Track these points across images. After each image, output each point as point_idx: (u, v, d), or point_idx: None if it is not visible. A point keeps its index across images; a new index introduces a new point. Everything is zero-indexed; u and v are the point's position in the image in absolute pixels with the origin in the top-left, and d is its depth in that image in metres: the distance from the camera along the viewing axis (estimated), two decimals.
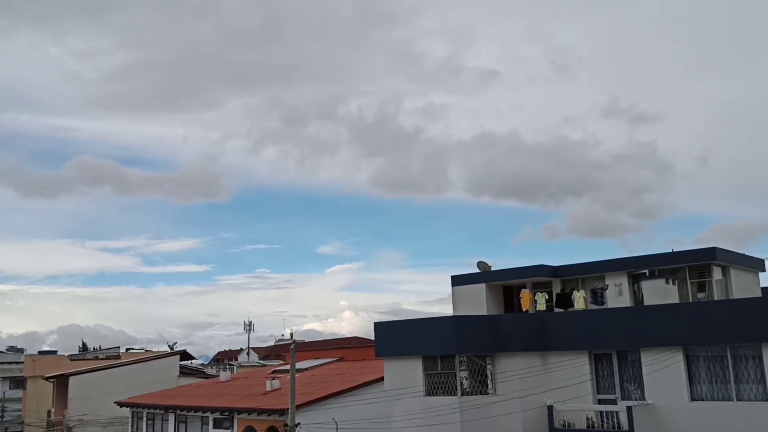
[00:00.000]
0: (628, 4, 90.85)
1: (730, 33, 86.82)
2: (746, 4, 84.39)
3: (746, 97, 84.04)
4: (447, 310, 27.72)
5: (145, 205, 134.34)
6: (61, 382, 44.81)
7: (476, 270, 28.00)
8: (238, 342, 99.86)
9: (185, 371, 48.23)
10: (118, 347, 61.46)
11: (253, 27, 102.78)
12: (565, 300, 25.25)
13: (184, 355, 51.41)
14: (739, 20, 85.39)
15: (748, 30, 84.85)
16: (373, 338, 26.80)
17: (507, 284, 27.30)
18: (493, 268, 27.91)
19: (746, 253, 25.99)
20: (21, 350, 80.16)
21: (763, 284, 26.61)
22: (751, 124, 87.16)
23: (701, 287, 24.01)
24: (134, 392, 39.00)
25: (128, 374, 44.33)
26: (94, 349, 71.20)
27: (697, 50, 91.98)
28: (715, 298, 23.51)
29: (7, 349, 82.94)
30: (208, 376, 48.57)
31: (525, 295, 25.88)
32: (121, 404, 37.68)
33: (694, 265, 24.00)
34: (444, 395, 22.99)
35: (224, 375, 40.94)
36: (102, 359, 52.95)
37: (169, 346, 63.33)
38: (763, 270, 26.73)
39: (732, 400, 19.56)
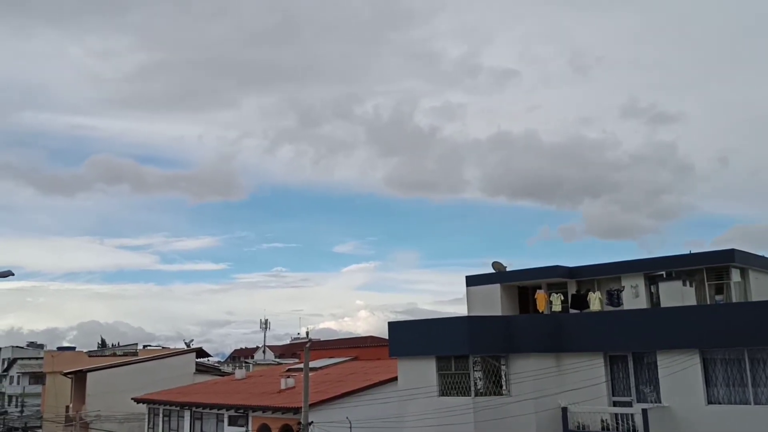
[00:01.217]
0: (647, 5, 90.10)
1: (750, 35, 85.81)
2: (764, 7, 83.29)
3: (764, 98, 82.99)
4: (462, 310, 27.68)
5: (163, 204, 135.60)
6: (79, 378, 45.33)
7: (491, 270, 27.91)
8: (254, 340, 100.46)
9: (201, 368, 48.55)
10: (136, 344, 62.09)
11: (269, 27, 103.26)
12: (580, 301, 25.09)
13: (201, 353, 51.75)
14: (760, 22, 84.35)
15: (762, 30, 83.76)
16: (387, 337, 26.79)
17: (522, 285, 27.18)
18: (508, 269, 27.80)
19: (766, 255, 25.66)
20: (41, 346, 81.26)
21: None
22: None
23: (719, 289, 23.76)
24: (151, 389, 39.29)
25: (145, 371, 44.71)
26: (112, 345, 71.90)
27: (717, 51, 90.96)
28: (734, 300, 23.24)
29: (27, 345, 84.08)
30: (224, 374, 48.85)
31: (540, 296, 25.74)
32: (137, 400, 38.02)
33: (712, 266, 23.75)
34: (458, 396, 22.92)
35: (240, 373, 41.15)
36: (120, 356, 53.49)
37: (185, 343, 63.70)
38: None
39: (749, 404, 19.31)
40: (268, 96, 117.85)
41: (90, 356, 53.66)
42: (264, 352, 76.24)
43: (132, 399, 38.35)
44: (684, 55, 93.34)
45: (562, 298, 25.44)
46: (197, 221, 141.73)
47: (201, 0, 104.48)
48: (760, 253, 25.42)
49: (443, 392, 23.39)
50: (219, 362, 67.84)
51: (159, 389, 38.90)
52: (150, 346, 61.95)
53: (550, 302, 25.45)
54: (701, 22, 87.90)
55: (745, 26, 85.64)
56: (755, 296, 23.80)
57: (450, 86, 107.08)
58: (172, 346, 61.43)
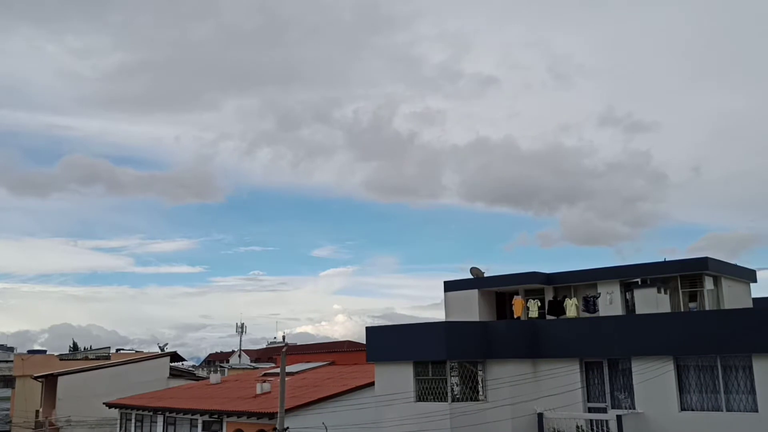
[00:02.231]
0: (626, 15, 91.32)
1: (725, 46, 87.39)
2: (742, 18, 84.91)
3: (740, 109, 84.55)
4: (440, 315, 27.74)
5: (139, 205, 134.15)
6: (49, 381, 44.55)
7: (469, 276, 28.00)
8: (230, 344, 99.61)
9: (175, 373, 48.02)
10: (109, 348, 61.13)
11: (251, 29, 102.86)
12: (557, 307, 25.27)
13: (175, 357, 51.20)
14: (735, 34, 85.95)
15: (743, 44, 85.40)
16: (365, 342, 26.76)
17: (500, 291, 27.32)
18: (486, 275, 27.92)
19: (738, 264, 26.10)
20: (11, 349, 79.70)
21: (754, 295, 26.69)
22: (745, 136, 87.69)
23: (693, 297, 24.07)
24: (123, 393, 38.79)
25: (118, 375, 44.13)
26: (84, 349, 70.83)
27: (693, 62, 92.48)
28: (707, 308, 23.56)
29: None
30: (198, 378, 48.37)
31: (517, 301, 25.88)
32: (109, 405, 37.45)
33: (686, 274, 24.06)
34: (434, 401, 22.93)
35: (215, 377, 40.73)
36: (92, 359, 52.65)
37: (159, 347, 63.02)
38: (755, 281, 26.81)
39: (721, 411, 19.57)
40: (247, 98, 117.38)
41: (61, 360, 52.77)
42: (240, 356, 75.76)
43: (104, 404, 37.75)
44: (660, 65, 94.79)
45: (539, 304, 25.62)
46: (174, 223, 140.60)
47: (183, 0, 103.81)
48: (732, 261, 25.87)
49: (420, 398, 23.38)
50: (194, 366, 67.24)
51: (132, 394, 38.41)
52: (123, 349, 61.16)
53: (527, 308, 25.60)
54: (678, 33, 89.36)
55: (720, 38, 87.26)
56: (727, 304, 24.16)
57: (430, 92, 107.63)
58: (146, 350, 60.72)
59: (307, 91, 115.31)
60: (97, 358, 52.97)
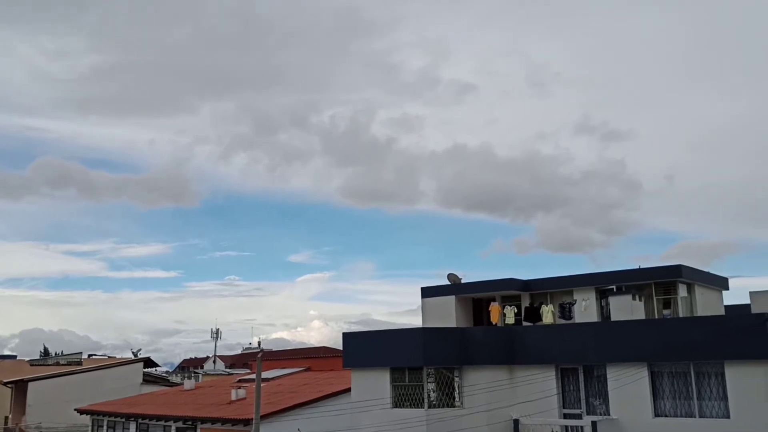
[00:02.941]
0: (603, 25, 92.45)
1: (700, 57, 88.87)
2: (715, 29, 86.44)
3: (713, 119, 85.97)
4: (417, 321, 27.74)
5: (113, 209, 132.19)
6: (19, 387, 43.72)
7: (446, 281, 28.04)
8: (204, 350, 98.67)
9: (149, 379, 47.43)
10: (80, 353, 60.22)
11: (230, 33, 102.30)
12: (533, 314, 25.40)
13: (148, 363, 50.56)
14: (708, 45, 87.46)
15: (718, 55, 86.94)
16: (341, 348, 26.65)
17: (477, 297, 27.38)
18: (463, 281, 27.98)
19: (711, 271, 26.45)
20: None
21: (726, 302, 27.06)
22: (717, 146, 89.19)
23: (667, 304, 24.35)
24: (95, 399, 38.17)
25: (90, 381, 43.43)
26: (55, 354, 69.68)
27: (668, 72, 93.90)
28: (680, 315, 23.84)
29: None
30: (172, 384, 47.83)
31: (494, 308, 25.97)
32: (81, 411, 36.84)
33: (660, 281, 24.34)
34: (411, 407, 22.89)
35: (189, 383, 40.30)
36: (63, 365, 51.78)
37: (133, 352, 62.26)
38: (727, 288, 27.19)
39: (694, 417, 19.79)
40: (224, 102, 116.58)
41: (32, 365, 51.83)
42: (214, 362, 75.04)
43: (75, 410, 37.11)
44: (636, 74, 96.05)
45: (516, 310, 25.72)
46: (148, 227, 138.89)
47: (161, 2, 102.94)
48: (705, 269, 26.20)
49: (396, 404, 23.33)
50: (167, 372, 66.51)
51: (104, 400, 37.80)
52: (96, 355, 60.21)
53: (504, 315, 25.69)
54: (654, 44, 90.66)
55: (695, 49, 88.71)
56: (701, 311, 24.48)
57: (409, 98, 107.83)
58: (119, 356, 59.93)
59: (284, 96, 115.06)
60: (69, 364, 52.09)
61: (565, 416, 22.03)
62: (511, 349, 23.00)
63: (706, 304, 25.03)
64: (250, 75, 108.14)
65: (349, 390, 25.45)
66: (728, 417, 19.16)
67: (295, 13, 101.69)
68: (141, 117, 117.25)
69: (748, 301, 24.46)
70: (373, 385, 23.75)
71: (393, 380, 23.59)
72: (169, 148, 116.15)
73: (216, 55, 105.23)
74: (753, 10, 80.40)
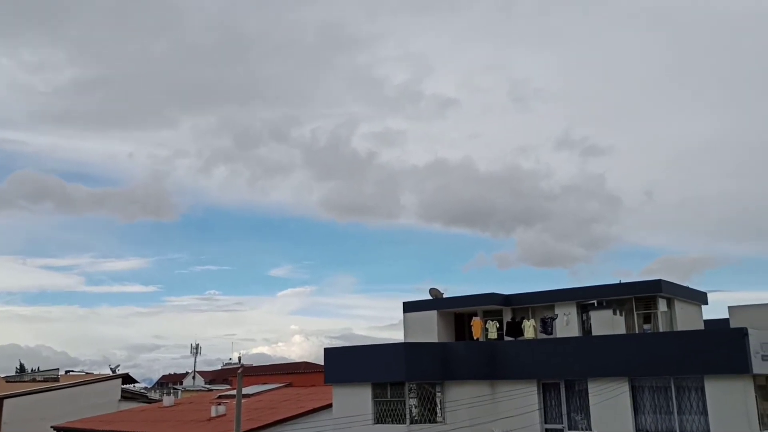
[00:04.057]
0: (584, 41, 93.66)
1: (678, 74, 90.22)
2: (695, 47, 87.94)
3: (690, 135, 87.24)
4: (398, 336, 27.66)
5: (91, 223, 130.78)
6: None
7: (428, 296, 28.02)
8: (184, 365, 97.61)
9: (127, 395, 46.73)
10: (57, 369, 59.24)
11: (212, 46, 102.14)
12: (515, 329, 25.42)
13: (127, 379, 49.86)
14: (687, 62, 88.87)
15: (695, 72, 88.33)
16: (322, 364, 26.47)
17: (458, 312, 27.37)
18: (445, 295, 27.97)
19: (690, 286, 26.68)
20: None
21: (705, 317, 27.29)
22: (694, 161, 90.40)
23: (647, 318, 24.50)
24: (73, 416, 37.49)
25: (67, 398, 42.66)
26: (32, 370, 68.51)
27: (647, 88, 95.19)
28: (660, 329, 23.99)
29: None
30: (151, 401, 47.18)
31: (476, 323, 25.96)
32: (57, 429, 36.18)
33: (641, 296, 24.50)
34: (393, 423, 22.77)
35: (168, 399, 39.75)
36: (40, 381, 50.88)
37: (111, 368, 61.37)
38: (706, 303, 27.43)
39: (675, 431, 19.86)
40: (205, 115, 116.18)
41: (7, 381, 50.88)
42: (194, 377, 74.25)
43: (52, 427, 36.45)
44: (616, 90, 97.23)
45: (498, 325, 25.74)
46: (126, 242, 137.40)
47: (142, 16, 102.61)
48: (684, 284, 26.44)
49: (378, 420, 23.19)
50: (146, 389, 65.67)
51: (81, 417, 37.17)
52: (73, 371, 59.22)
53: (486, 329, 25.69)
54: (633, 60, 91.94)
55: (673, 65, 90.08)
56: (680, 325, 24.65)
57: (391, 112, 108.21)
58: (97, 372, 59.01)
59: (266, 110, 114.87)
60: (46, 380, 51.17)
61: (547, 431, 22.00)
62: (493, 364, 22.98)
63: (685, 319, 25.22)
64: (232, 89, 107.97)
65: (330, 406, 25.25)
66: (708, 431, 19.24)
67: (277, 27, 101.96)
68: (120, 130, 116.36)
69: (727, 316, 24.72)
70: (355, 401, 23.59)
71: (375, 396, 23.45)
72: (148, 162, 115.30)
73: (197, 69, 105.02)
74: (732, 29, 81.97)
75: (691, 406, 19.82)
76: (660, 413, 20.30)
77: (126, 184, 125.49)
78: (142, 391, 55.64)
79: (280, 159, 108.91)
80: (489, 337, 25.46)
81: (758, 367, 19.18)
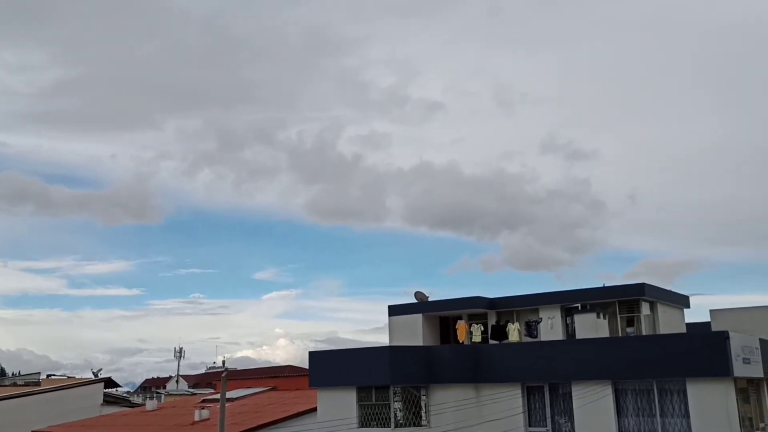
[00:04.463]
0: (569, 46, 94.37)
1: (662, 81, 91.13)
2: (679, 53, 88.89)
3: (671, 139, 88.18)
4: (383, 339, 27.67)
5: (73, 225, 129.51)
6: None
7: (413, 299, 28.06)
8: (167, 369, 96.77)
9: (109, 399, 46.29)
10: (38, 373, 58.60)
11: (198, 49, 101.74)
12: (500, 332, 25.50)
13: (109, 383, 49.38)
14: (671, 69, 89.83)
15: (679, 79, 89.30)
16: (307, 367, 26.40)
17: (443, 315, 27.42)
18: (430, 299, 28.01)
19: (673, 290, 26.91)
20: None
21: (687, 320, 27.55)
22: (676, 166, 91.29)
23: (630, 322, 24.68)
24: (54, 421, 37.09)
25: (48, 402, 42.19)
26: (12, 374, 67.71)
27: (627, 95, 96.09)
28: (643, 332, 24.17)
29: None
30: (134, 405, 46.79)
31: (461, 326, 26.03)
32: None
33: (624, 300, 24.68)
34: (377, 427, 22.76)
35: (151, 404, 39.48)
36: (20, 385, 50.32)
37: (93, 372, 60.78)
38: (688, 306, 27.69)
39: None
40: (189, 118, 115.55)
41: None
42: (177, 381, 73.75)
43: None
44: (601, 95, 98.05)
45: (482, 328, 25.81)
46: (110, 244, 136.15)
47: (127, 17, 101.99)
48: (667, 287, 26.67)
49: (363, 423, 23.17)
50: (129, 392, 65.09)
51: (63, 421, 36.78)
52: (55, 375, 58.62)
53: (471, 333, 25.75)
54: (619, 65, 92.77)
55: (657, 71, 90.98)
56: (663, 329, 24.86)
57: (377, 115, 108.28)
58: (79, 376, 58.45)
59: (251, 112, 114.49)
60: (26, 384, 50.61)
61: None
62: (477, 368, 23.04)
63: (668, 322, 25.44)
64: (217, 91, 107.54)
65: (315, 409, 25.19)
66: None
67: (264, 30, 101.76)
68: (104, 132, 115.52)
69: (708, 319, 25.00)
70: (340, 405, 23.56)
71: (359, 399, 23.44)
72: (132, 164, 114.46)
73: (182, 71, 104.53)
74: (716, 35, 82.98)
75: (673, 408, 19.99)
76: (643, 416, 20.45)
77: (109, 186, 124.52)
78: (124, 395, 55.12)
79: (265, 162, 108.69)
80: (473, 340, 25.53)
81: (739, 370, 19.40)
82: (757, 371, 20.72)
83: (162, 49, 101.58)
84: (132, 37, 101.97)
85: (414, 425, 22.70)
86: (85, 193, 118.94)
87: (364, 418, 23.25)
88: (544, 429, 22.01)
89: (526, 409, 22.34)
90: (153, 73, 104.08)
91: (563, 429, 21.59)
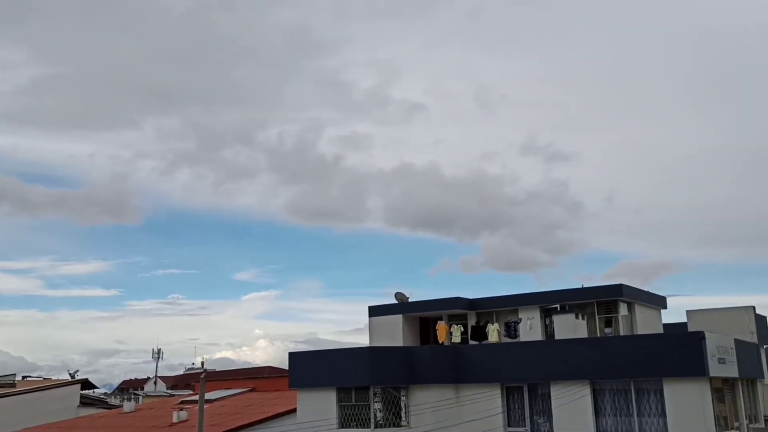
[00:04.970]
0: (550, 49, 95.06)
1: (640, 84, 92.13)
2: (657, 58, 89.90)
3: (648, 143, 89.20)
4: (364, 340, 27.69)
5: (50, 225, 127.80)
6: None
7: (393, 300, 28.07)
8: (145, 370, 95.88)
9: (86, 401, 45.78)
10: (14, 374, 57.73)
11: (177, 48, 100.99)
12: (479, 333, 25.61)
13: (86, 384, 48.86)
14: (650, 73, 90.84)
15: (657, 82, 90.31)
16: (287, 368, 26.31)
17: (424, 316, 27.46)
18: (410, 299, 28.05)
19: (650, 291, 27.19)
20: None
21: (664, 320, 27.85)
22: (654, 168, 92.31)
23: (608, 322, 24.89)
24: (30, 423, 36.61)
25: (24, 404, 41.63)
26: None
27: (607, 98, 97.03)
28: (621, 333, 24.40)
29: None
30: (111, 407, 46.33)
31: (441, 327, 26.08)
32: None
33: (602, 300, 24.88)
34: (357, 427, 22.74)
35: (128, 405, 39.11)
36: None
37: (70, 374, 60.05)
38: (665, 307, 27.98)
39: None
40: (168, 117, 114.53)
41: None
42: (155, 383, 73.20)
43: None
44: (581, 97, 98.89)
45: (462, 329, 25.89)
46: (87, 244, 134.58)
47: (107, 15, 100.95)
48: (644, 288, 26.94)
49: (343, 424, 23.13)
50: (106, 394, 64.46)
51: (39, 423, 36.33)
52: (30, 376, 57.83)
53: (451, 333, 25.82)
54: (597, 68, 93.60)
55: (635, 75, 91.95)
56: (641, 329, 25.11)
57: (358, 116, 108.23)
58: (55, 377, 57.72)
59: (231, 112, 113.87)
60: (2, 386, 49.89)
61: None
62: (457, 368, 23.11)
63: (645, 323, 25.70)
64: (197, 91, 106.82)
65: (294, 411, 25.11)
66: None
67: (245, 29, 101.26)
68: (82, 131, 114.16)
69: (685, 320, 25.30)
70: (320, 406, 23.51)
71: (339, 400, 23.41)
72: (110, 163, 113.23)
73: (162, 70, 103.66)
74: (694, 40, 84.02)
75: (650, 408, 20.20)
76: (620, 415, 20.64)
77: (87, 186, 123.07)
78: (101, 396, 54.57)
79: (245, 162, 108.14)
80: (453, 341, 25.60)
81: (715, 369, 19.65)
82: (732, 371, 21.01)
83: (142, 48, 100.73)
84: (111, 35, 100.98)
85: (394, 426, 22.71)
86: (63, 192, 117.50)
87: (344, 419, 23.22)
88: (523, 429, 22.13)
89: (506, 409, 22.45)
90: (132, 71, 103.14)
91: (542, 429, 21.72)
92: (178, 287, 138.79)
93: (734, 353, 21.34)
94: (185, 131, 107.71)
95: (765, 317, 26.83)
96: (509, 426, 22.39)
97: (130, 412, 37.12)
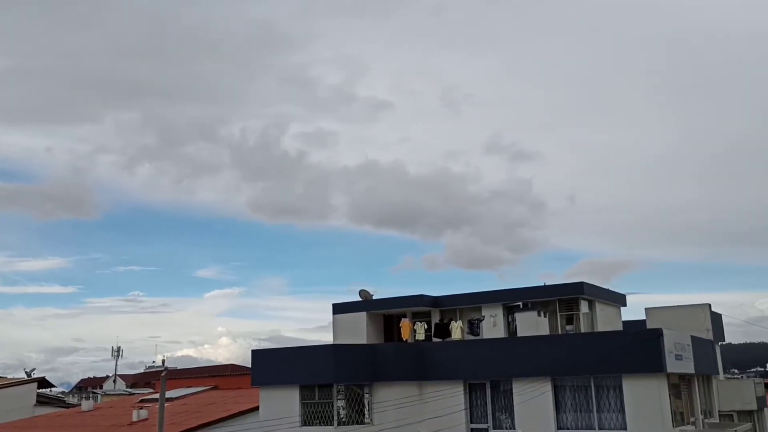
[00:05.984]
0: (514, 50, 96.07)
1: (601, 85, 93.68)
2: (619, 59, 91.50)
3: (610, 144, 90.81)
4: (327, 337, 27.59)
5: (6, 220, 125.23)
6: None
7: (358, 298, 28.04)
8: (104, 369, 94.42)
9: (43, 400, 44.81)
10: None
11: (139, 41, 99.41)
12: (443, 330, 25.73)
13: (43, 383, 47.83)
14: (610, 74, 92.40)
15: (617, 84, 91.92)
16: (249, 366, 26.10)
17: (388, 313, 27.50)
18: (374, 297, 28.04)
19: (610, 288, 27.65)
20: None
21: (624, 318, 28.34)
22: (614, 169, 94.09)
23: (570, 320, 25.26)
24: None
25: None
26: None
27: (570, 98, 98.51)
28: (582, 330, 24.78)
29: None
30: (69, 405, 45.47)
31: (405, 324, 26.14)
32: None
33: (564, 298, 25.23)
34: (320, 425, 22.69)
35: (86, 404, 38.47)
36: None
37: (26, 372, 58.72)
38: (625, 305, 28.49)
39: (594, 429, 20.54)
40: (129, 111, 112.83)
41: None
42: (115, 381, 72.04)
43: None
44: (544, 98, 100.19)
45: (426, 326, 25.98)
46: (45, 240, 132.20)
47: (68, 8, 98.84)
48: (605, 286, 27.40)
49: (306, 422, 23.05)
50: (63, 393, 63.27)
51: None
52: None
53: (414, 331, 25.89)
54: (557, 72, 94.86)
55: (596, 76, 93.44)
56: (601, 327, 25.53)
57: (324, 113, 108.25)
58: (10, 376, 56.37)
59: (193, 107, 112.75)
60: None
61: (473, 431, 22.37)
62: (420, 365, 23.20)
63: (605, 320, 26.13)
64: (159, 85, 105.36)
65: (257, 409, 24.94)
66: (625, 429, 20.01)
67: (208, 24, 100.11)
68: (38, 124, 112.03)
69: (644, 317, 25.79)
70: (282, 403, 23.38)
71: (302, 398, 23.32)
72: (68, 157, 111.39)
73: (123, 63, 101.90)
74: (661, 43, 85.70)
75: (610, 404, 20.55)
76: (580, 411, 20.96)
77: (45, 180, 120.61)
78: (59, 395, 53.48)
79: (207, 158, 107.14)
80: (417, 338, 25.67)
81: (672, 366, 20.09)
82: (688, 367, 21.50)
83: (102, 40, 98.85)
84: (68, 26, 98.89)
85: (357, 423, 22.70)
86: (19, 186, 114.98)
87: (307, 417, 23.14)
88: (485, 425, 22.33)
89: (468, 405, 22.61)
90: (92, 64, 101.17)
91: (504, 425, 21.94)
92: (139, 284, 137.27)
93: (690, 350, 21.85)
94: (146, 126, 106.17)
95: (720, 315, 27.51)
96: (472, 423, 22.56)
97: (89, 410, 36.53)
